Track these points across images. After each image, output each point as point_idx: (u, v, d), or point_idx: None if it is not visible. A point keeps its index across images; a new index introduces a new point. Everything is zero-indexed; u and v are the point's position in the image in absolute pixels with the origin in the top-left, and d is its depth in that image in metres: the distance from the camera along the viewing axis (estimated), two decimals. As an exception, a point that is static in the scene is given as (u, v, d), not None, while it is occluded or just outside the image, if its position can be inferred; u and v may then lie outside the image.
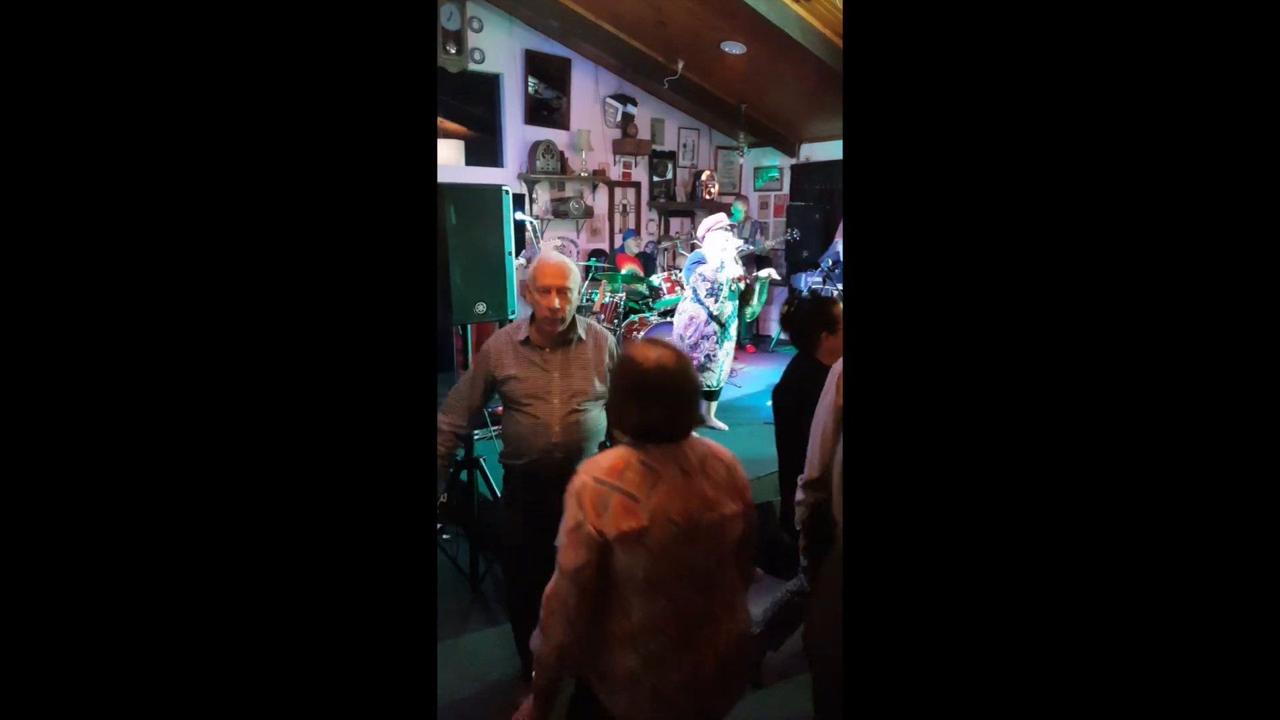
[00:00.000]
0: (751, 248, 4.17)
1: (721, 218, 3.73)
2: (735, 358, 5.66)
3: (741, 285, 3.68)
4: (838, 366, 1.44)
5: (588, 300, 4.96)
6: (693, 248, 3.79)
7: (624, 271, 5.15)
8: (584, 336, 1.89)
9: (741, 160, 6.87)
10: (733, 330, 3.75)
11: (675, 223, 6.71)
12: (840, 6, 4.03)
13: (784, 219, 6.48)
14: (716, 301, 3.58)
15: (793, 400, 1.87)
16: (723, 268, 3.54)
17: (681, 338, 3.70)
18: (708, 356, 3.65)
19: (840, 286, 4.39)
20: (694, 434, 1.25)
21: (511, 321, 2.12)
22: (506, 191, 2.53)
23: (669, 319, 4.21)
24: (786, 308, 2.15)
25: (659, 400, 1.15)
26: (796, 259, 5.95)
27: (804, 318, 1.93)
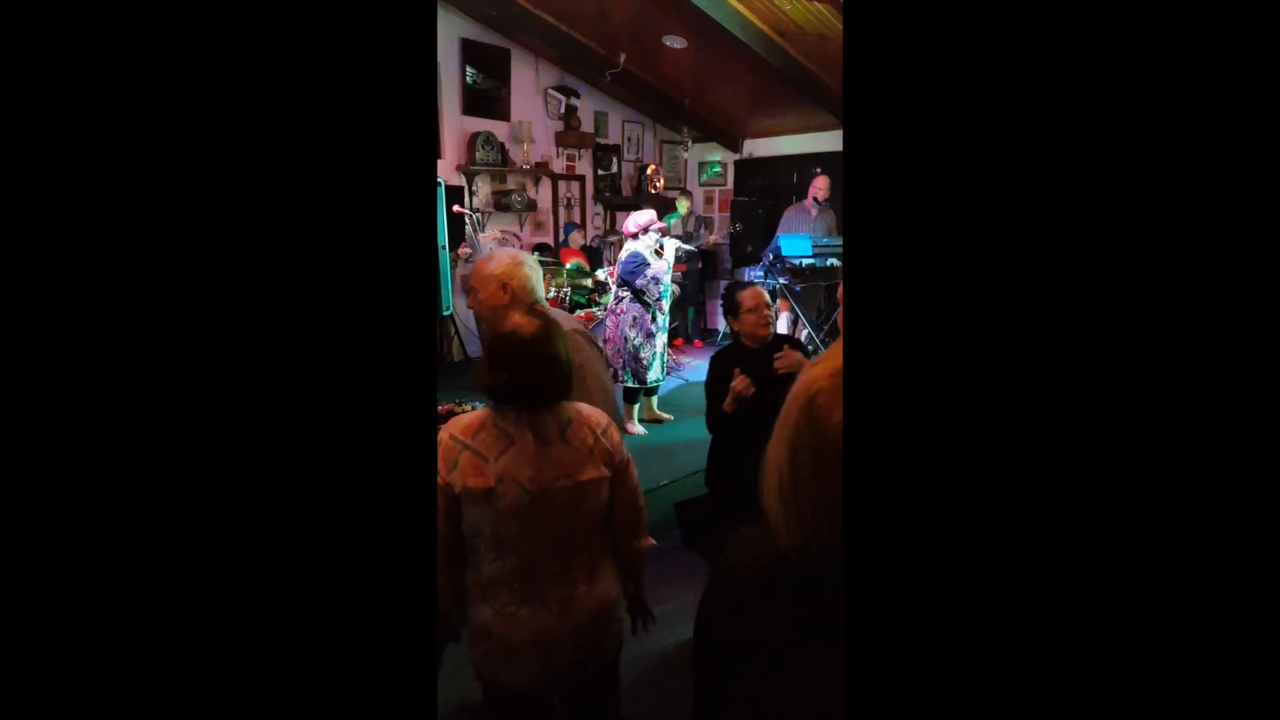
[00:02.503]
0: (678, 243, 4.22)
1: (652, 216, 3.72)
2: (684, 351, 5.74)
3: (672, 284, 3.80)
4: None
5: (532, 295, 4.89)
6: (625, 242, 3.80)
7: (569, 266, 5.10)
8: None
9: (686, 155, 6.90)
10: (665, 323, 3.84)
11: (621, 217, 6.69)
12: (779, 4, 4.08)
13: (728, 214, 6.54)
14: (664, 301, 3.67)
15: (714, 377, 2.11)
16: (669, 270, 3.61)
17: (626, 338, 3.71)
18: (635, 358, 3.71)
19: (783, 280, 4.46)
20: (578, 404, 1.28)
21: (446, 316, 2.07)
22: (440, 183, 2.46)
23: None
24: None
25: (508, 365, 1.17)
26: (741, 253, 6.02)
27: (724, 301, 2.21)
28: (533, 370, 1.18)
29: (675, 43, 4.88)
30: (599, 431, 1.26)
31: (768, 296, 2.15)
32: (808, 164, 5.97)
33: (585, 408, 1.29)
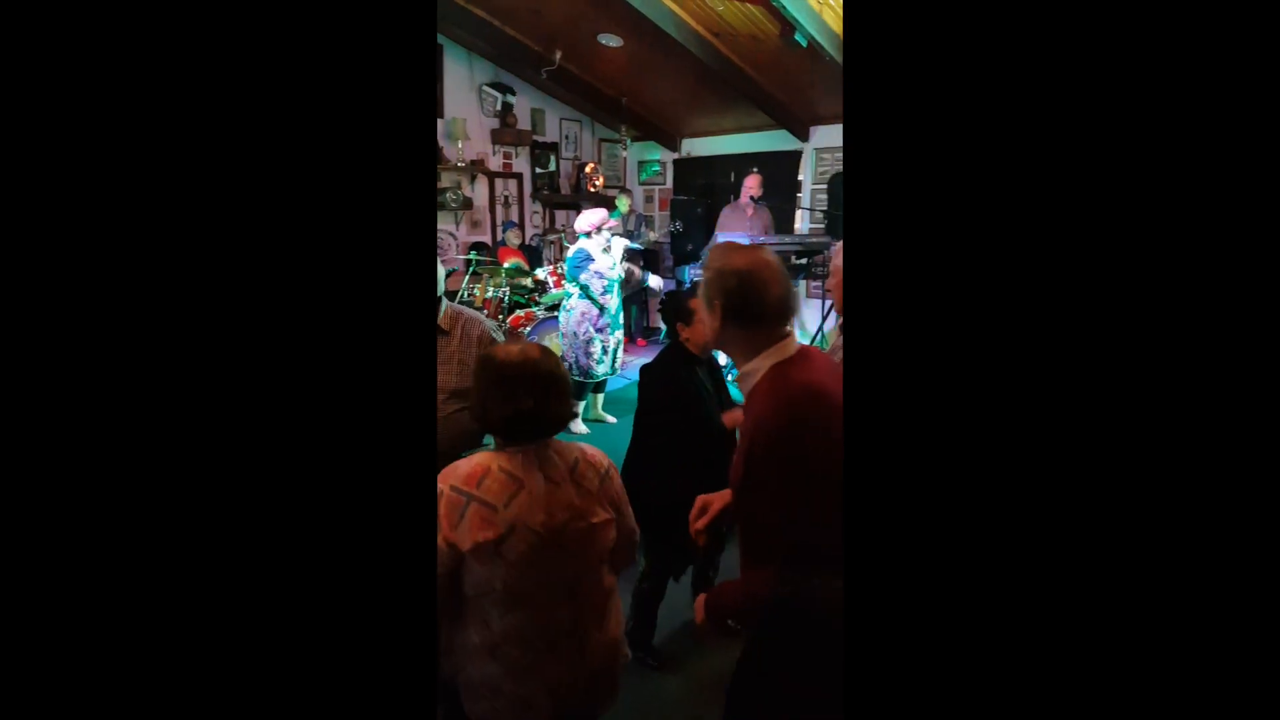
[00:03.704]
0: (627, 241, 4.23)
1: (602, 214, 3.74)
2: (627, 350, 5.74)
3: (622, 275, 3.76)
4: (761, 406, 1.09)
5: (470, 295, 4.80)
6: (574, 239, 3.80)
7: (507, 265, 5.03)
8: (445, 328, 1.75)
9: (625, 153, 6.90)
10: (620, 319, 3.81)
11: (561, 215, 6.63)
12: (711, 4, 4.12)
13: (668, 212, 6.58)
14: (612, 296, 3.66)
15: (653, 382, 2.06)
16: (614, 266, 3.60)
17: (575, 334, 3.69)
18: (603, 349, 3.69)
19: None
20: (573, 440, 1.23)
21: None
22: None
23: (555, 314, 4.17)
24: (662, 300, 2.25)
25: (526, 391, 1.10)
26: (681, 251, 6.06)
27: (664, 312, 2.10)
28: (550, 395, 1.12)
29: (611, 41, 4.87)
30: (602, 472, 1.21)
31: None
32: (746, 163, 6.06)
33: (588, 448, 1.24)
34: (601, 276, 3.65)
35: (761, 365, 1.10)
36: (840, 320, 1.81)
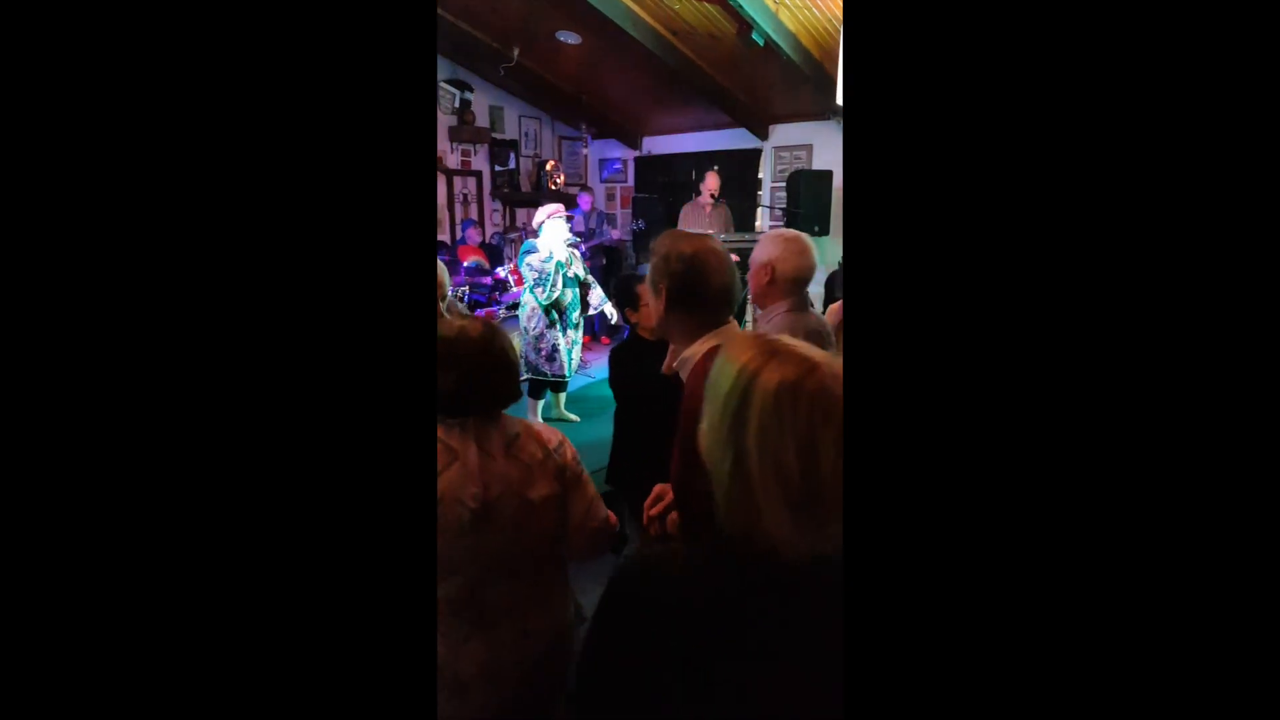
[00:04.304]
0: (578, 239, 4.20)
1: (559, 207, 3.71)
2: (590, 349, 5.72)
3: (581, 273, 3.72)
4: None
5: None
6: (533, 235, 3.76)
7: (468, 263, 4.97)
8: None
9: (585, 151, 6.88)
10: (576, 317, 3.76)
11: (522, 213, 6.58)
12: (669, 3, 4.14)
13: (630, 210, 6.58)
14: (545, 291, 3.56)
15: (617, 368, 2.10)
16: (550, 257, 3.52)
17: (526, 330, 3.67)
18: (553, 348, 3.64)
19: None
20: (523, 418, 1.22)
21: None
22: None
23: (516, 313, 4.14)
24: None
25: (458, 368, 1.10)
26: (644, 249, 6.08)
27: (615, 298, 2.19)
28: (484, 372, 1.12)
29: (569, 38, 4.85)
30: (550, 447, 1.20)
31: None
32: (706, 161, 6.10)
33: (536, 424, 1.23)
34: (533, 269, 3.55)
35: (699, 350, 1.12)
36: (758, 312, 1.79)
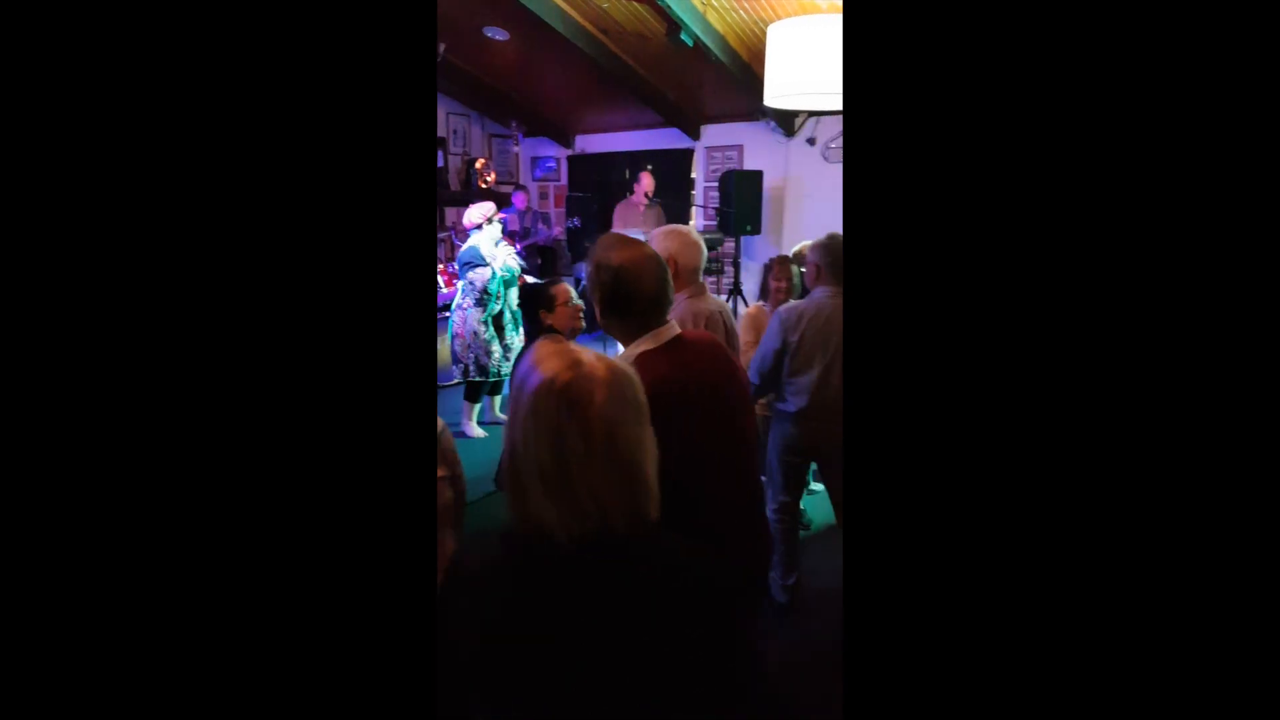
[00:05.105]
0: (507, 237, 4.16)
1: (490, 207, 3.64)
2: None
3: (515, 271, 3.70)
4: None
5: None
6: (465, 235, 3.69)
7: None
8: None
9: (516, 149, 6.77)
10: (520, 318, 3.73)
11: (451, 213, 6.42)
12: (597, 1, 4.11)
13: (564, 209, 6.52)
14: (484, 310, 3.55)
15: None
16: (494, 275, 3.52)
17: (458, 336, 3.59)
18: (487, 349, 3.60)
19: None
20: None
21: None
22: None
23: (446, 313, 4.03)
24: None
25: None
26: (579, 248, 6.03)
27: (523, 303, 2.23)
28: None
29: (497, 34, 4.75)
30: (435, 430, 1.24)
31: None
32: (639, 161, 6.11)
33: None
34: (475, 287, 3.55)
35: (630, 354, 1.20)
36: None
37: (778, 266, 2.69)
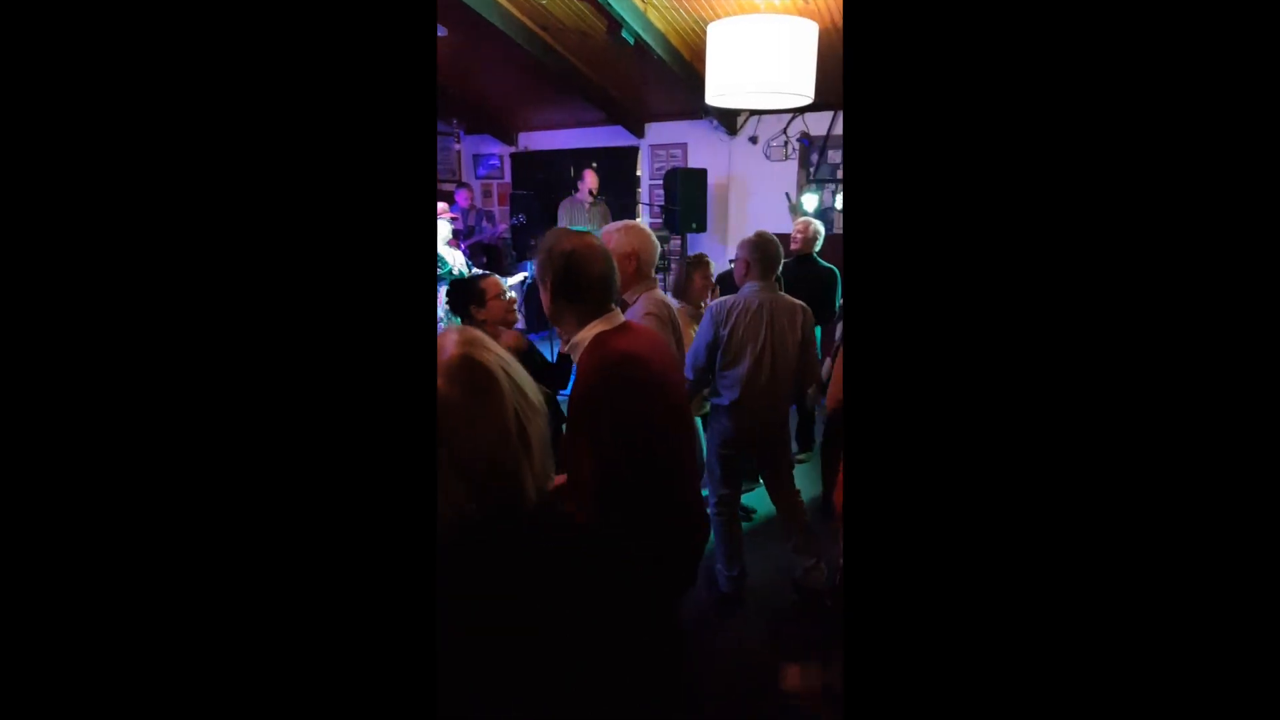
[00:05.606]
0: (449, 232, 4.10)
1: (441, 205, 3.61)
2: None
3: (465, 272, 3.67)
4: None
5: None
6: None
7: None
8: None
9: (458, 147, 6.65)
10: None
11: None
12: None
13: (509, 207, 6.45)
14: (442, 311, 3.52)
15: None
16: (447, 267, 3.48)
17: None
18: None
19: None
20: None
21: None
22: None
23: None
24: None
25: None
26: (524, 246, 5.98)
27: (452, 299, 2.21)
28: None
29: (436, 31, 4.66)
30: None
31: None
32: (584, 159, 6.09)
33: None
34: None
35: (587, 335, 1.27)
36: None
37: (705, 266, 2.71)
